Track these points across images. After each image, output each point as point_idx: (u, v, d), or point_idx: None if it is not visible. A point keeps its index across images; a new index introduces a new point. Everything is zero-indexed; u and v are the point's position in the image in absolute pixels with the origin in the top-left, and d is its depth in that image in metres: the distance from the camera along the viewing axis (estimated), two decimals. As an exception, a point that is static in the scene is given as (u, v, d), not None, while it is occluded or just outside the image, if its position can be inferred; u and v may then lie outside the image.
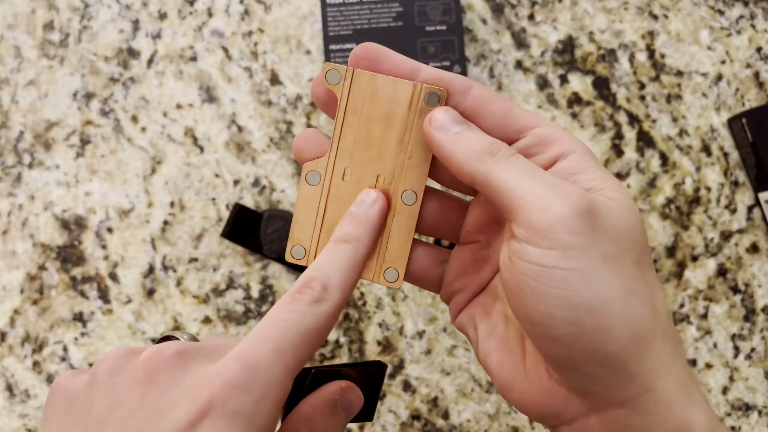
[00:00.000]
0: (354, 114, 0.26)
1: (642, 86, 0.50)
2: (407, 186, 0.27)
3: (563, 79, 0.50)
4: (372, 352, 0.48)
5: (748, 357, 0.49)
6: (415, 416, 0.48)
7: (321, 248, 0.27)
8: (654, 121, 0.50)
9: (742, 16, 0.51)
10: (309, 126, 0.50)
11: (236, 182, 0.50)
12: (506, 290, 0.23)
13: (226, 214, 0.49)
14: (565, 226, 0.21)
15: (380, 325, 0.49)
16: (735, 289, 0.49)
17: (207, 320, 0.49)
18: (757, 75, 0.51)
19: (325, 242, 0.27)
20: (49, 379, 0.49)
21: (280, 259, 0.48)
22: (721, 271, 0.49)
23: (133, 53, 0.51)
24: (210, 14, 0.51)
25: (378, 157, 0.27)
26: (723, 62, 0.51)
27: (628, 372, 0.21)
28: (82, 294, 0.49)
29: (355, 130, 0.26)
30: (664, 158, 0.50)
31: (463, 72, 0.47)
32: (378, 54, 0.26)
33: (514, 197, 0.22)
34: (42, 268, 0.49)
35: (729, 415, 0.49)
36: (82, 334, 0.49)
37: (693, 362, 0.49)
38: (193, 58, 0.51)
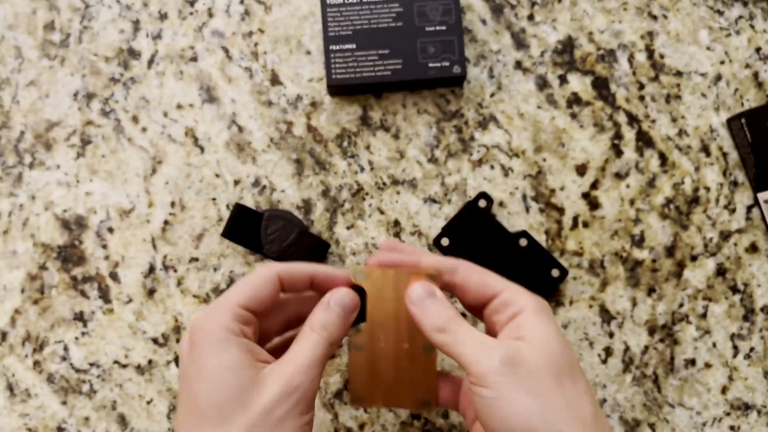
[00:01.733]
0: (377, 298, 0.38)
1: (641, 86, 0.51)
2: (425, 340, 0.38)
3: (562, 80, 0.51)
4: (372, 352, 0.49)
5: (747, 356, 0.49)
6: (415, 416, 0.49)
7: (374, 394, 0.40)
8: (653, 121, 0.50)
9: (741, 17, 0.51)
10: (309, 126, 0.50)
11: (236, 182, 0.50)
12: (477, 416, 0.33)
13: (226, 214, 0.50)
14: (492, 373, 0.31)
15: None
16: (734, 289, 0.49)
17: (207, 320, 0.49)
18: (756, 75, 0.51)
19: (377, 389, 0.40)
20: (50, 378, 0.49)
21: (281, 259, 0.48)
22: (721, 271, 0.50)
23: (133, 53, 0.51)
24: (210, 15, 0.51)
25: (400, 324, 0.38)
26: (722, 62, 0.51)
27: None
28: (83, 294, 0.49)
29: (381, 309, 0.38)
30: (663, 158, 0.50)
31: (463, 72, 0.47)
32: (395, 246, 0.39)
33: (462, 358, 0.33)
34: (43, 267, 0.49)
35: (728, 414, 0.49)
36: (83, 333, 0.49)
37: (692, 362, 0.49)
38: (194, 59, 0.51)
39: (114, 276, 0.49)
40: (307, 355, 0.34)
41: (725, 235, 0.50)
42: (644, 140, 0.50)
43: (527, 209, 0.50)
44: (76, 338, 0.49)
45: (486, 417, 0.31)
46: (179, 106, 0.50)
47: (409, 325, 0.37)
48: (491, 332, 0.37)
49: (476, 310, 0.38)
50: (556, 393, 0.31)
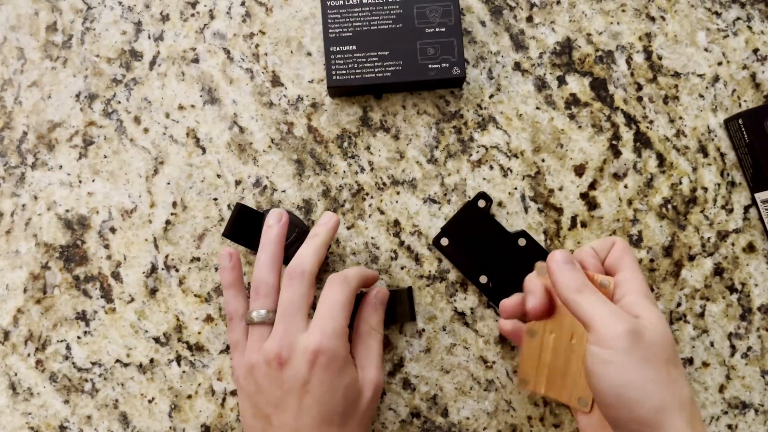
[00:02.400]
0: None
1: (639, 87, 0.51)
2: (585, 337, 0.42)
3: (561, 81, 0.51)
4: (372, 351, 0.49)
5: (745, 356, 0.49)
6: (415, 414, 0.49)
7: (539, 380, 0.43)
8: (651, 122, 0.51)
9: (738, 18, 0.51)
10: (310, 127, 0.51)
11: (238, 182, 0.50)
12: (585, 373, 0.37)
13: (227, 214, 0.50)
14: (617, 339, 0.35)
15: (380, 324, 0.49)
16: (731, 289, 0.50)
17: (209, 319, 0.49)
18: (753, 76, 0.51)
19: (542, 376, 0.43)
20: (52, 377, 0.49)
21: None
22: (718, 271, 0.50)
23: (135, 55, 0.51)
24: (212, 16, 0.51)
25: (567, 323, 0.42)
26: (720, 63, 0.51)
27: (655, 429, 0.34)
28: (85, 293, 0.50)
29: (553, 303, 0.42)
30: (661, 159, 0.51)
31: (462, 73, 0.48)
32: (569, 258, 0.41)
33: (591, 319, 0.36)
34: (45, 267, 0.50)
35: (726, 413, 0.49)
36: (85, 333, 0.49)
37: (690, 361, 0.49)
38: (195, 60, 0.51)
39: (116, 275, 0.50)
40: (379, 354, 0.44)
41: (723, 235, 0.50)
42: (642, 141, 0.51)
43: (526, 209, 0.50)
44: (79, 337, 0.49)
45: (597, 377, 0.35)
46: (181, 107, 0.51)
47: (576, 321, 0.41)
48: None
49: None
50: (664, 372, 0.35)
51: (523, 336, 0.44)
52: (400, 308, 0.48)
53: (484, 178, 0.50)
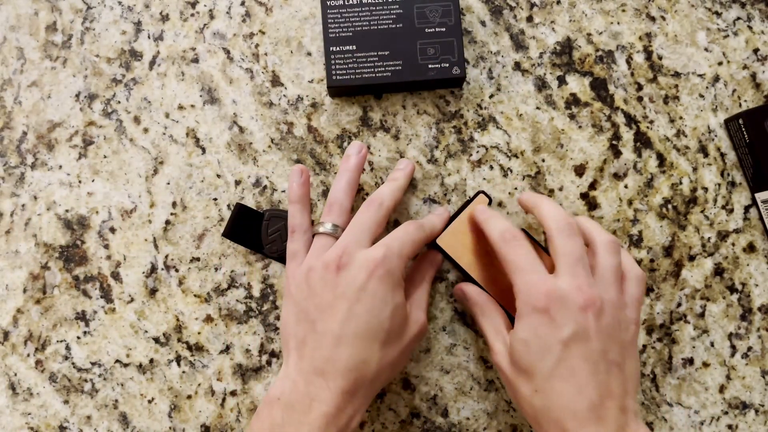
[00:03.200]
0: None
1: (639, 87, 0.51)
2: None
3: (561, 81, 0.51)
4: (372, 351, 0.49)
5: (745, 356, 0.49)
6: (415, 414, 0.49)
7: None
8: (651, 122, 0.51)
9: (739, 18, 0.51)
10: (310, 127, 0.51)
11: (237, 182, 0.50)
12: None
13: (227, 214, 0.50)
14: (527, 314, 0.39)
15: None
16: (732, 289, 0.50)
17: (209, 319, 0.49)
18: (753, 76, 0.51)
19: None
20: (52, 377, 0.49)
21: (281, 258, 0.48)
22: (718, 271, 0.50)
23: (135, 55, 0.51)
24: (212, 16, 0.51)
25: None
26: (720, 63, 0.51)
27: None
28: (85, 293, 0.50)
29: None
30: (661, 159, 0.50)
31: (462, 73, 0.48)
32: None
33: (515, 285, 0.40)
34: (45, 267, 0.50)
35: (726, 413, 0.49)
36: (85, 333, 0.49)
37: (690, 361, 0.49)
38: (195, 60, 0.51)
39: (116, 276, 0.50)
40: (427, 302, 0.45)
41: (723, 235, 0.50)
42: (642, 141, 0.51)
43: (526, 209, 0.50)
44: (78, 337, 0.49)
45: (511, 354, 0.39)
46: (181, 107, 0.51)
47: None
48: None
49: None
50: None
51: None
52: None
53: (484, 178, 0.50)
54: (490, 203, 0.47)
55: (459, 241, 0.46)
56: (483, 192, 0.47)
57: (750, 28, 0.51)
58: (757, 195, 0.49)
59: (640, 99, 0.51)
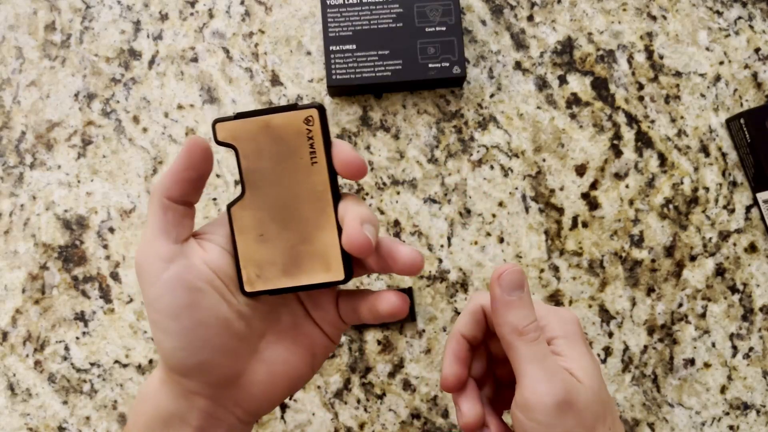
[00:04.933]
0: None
1: (640, 87, 0.51)
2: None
3: (562, 80, 0.51)
4: (372, 351, 0.49)
5: (747, 356, 0.49)
6: (415, 415, 0.49)
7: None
8: (652, 121, 0.51)
9: (740, 17, 0.51)
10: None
11: (237, 182, 0.50)
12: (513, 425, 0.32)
13: (226, 214, 0.50)
14: (542, 410, 0.30)
15: (380, 325, 0.49)
16: (733, 289, 0.50)
17: (208, 320, 0.49)
18: (755, 75, 0.51)
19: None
20: (51, 378, 0.49)
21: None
22: (720, 271, 0.50)
23: (134, 54, 0.51)
24: (211, 15, 0.51)
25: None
26: (721, 63, 0.51)
27: None
28: (84, 293, 0.49)
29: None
30: (662, 158, 0.50)
31: (463, 73, 0.48)
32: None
33: (522, 375, 0.31)
34: (44, 267, 0.49)
35: (727, 414, 0.49)
36: (84, 333, 0.49)
37: (691, 361, 0.49)
38: (194, 59, 0.51)
39: (115, 276, 0.49)
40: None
41: (724, 235, 0.50)
42: (643, 140, 0.50)
43: (527, 209, 0.50)
44: (77, 338, 0.49)
45: None
46: (180, 107, 0.51)
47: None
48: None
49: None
50: None
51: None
52: None
53: (484, 178, 0.50)
54: (323, 121, 0.31)
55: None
56: (317, 106, 0.31)
57: (751, 27, 0.51)
58: (758, 195, 0.49)
59: (641, 98, 0.51)
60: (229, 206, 0.31)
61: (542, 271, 0.49)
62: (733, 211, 0.50)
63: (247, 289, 0.31)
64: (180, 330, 0.30)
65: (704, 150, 0.50)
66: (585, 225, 0.50)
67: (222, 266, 0.31)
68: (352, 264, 0.32)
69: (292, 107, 0.31)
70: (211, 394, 0.32)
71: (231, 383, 0.32)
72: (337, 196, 0.31)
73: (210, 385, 0.31)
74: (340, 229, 0.31)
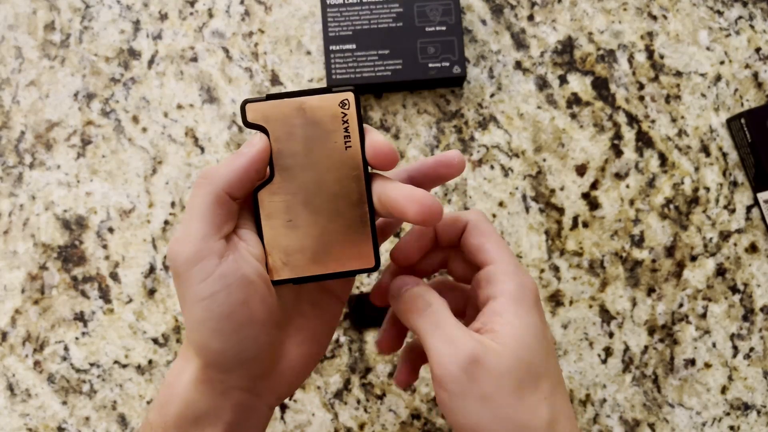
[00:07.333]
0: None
1: (641, 87, 0.51)
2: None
3: (562, 80, 0.51)
4: (372, 352, 0.49)
5: (747, 356, 0.49)
6: (415, 415, 0.49)
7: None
8: (653, 121, 0.50)
9: (741, 17, 0.51)
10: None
11: (237, 182, 0.50)
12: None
13: (226, 214, 0.50)
14: (450, 378, 0.29)
15: (380, 325, 0.49)
16: (734, 289, 0.50)
17: (207, 320, 0.49)
18: (756, 75, 0.51)
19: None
20: (50, 378, 0.49)
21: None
22: (720, 271, 0.50)
23: (134, 54, 0.51)
24: (210, 15, 0.51)
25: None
26: (722, 63, 0.51)
27: None
28: (83, 294, 0.49)
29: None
30: (663, 158, 0.50)
31: (463, 72, 0.48)
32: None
33: (426, 350, 0.30)
34: (43, 267, 0.49)
35: (728, 414, 0.49)
36: (83, 333, 0.49)
37: (692, 362, 0.49)
38: (194, 59, 0.51)
39: (114, 276, 0.49)
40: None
41: (725, 235, 0.50)
42: (644, 140, 0.50)
43: (527, 209, 0.50)
44: (77, 338, 0.49)
45: (446, 417, 0.30)
46: (179, 107, 0.50)
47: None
48: (474, 305, 0.34)
49: (467, 279, 0.35)
50: (510, 402, 0.29)
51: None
52: None
53: (484, 178, 0.50)
54: (358, 104, 0.31)
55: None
56: (352, 89, 0.31)
57: (752, 27, 0.51)
58: (759, 195, 0.49)
59: (641, 98, 0.51)
60: (256, 190, 0.30)
61: (543, 271, 0.49)
62: (733, 211, 0.50)
63: (274, 277, 0.30)
64: (233, 329, 0.29)
65: (705, 150, 0.50)
66: (585, 225, 0.50)
67: (261, 255, 0.30)
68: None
69: (326, 90, 0.30)
70: (251, 387, 0.31)
71: (271, 372, 0.31)
72: (369, 182, 0.30)
73: (252, 378, 0.31)
74: (371, 215, 0.30)
